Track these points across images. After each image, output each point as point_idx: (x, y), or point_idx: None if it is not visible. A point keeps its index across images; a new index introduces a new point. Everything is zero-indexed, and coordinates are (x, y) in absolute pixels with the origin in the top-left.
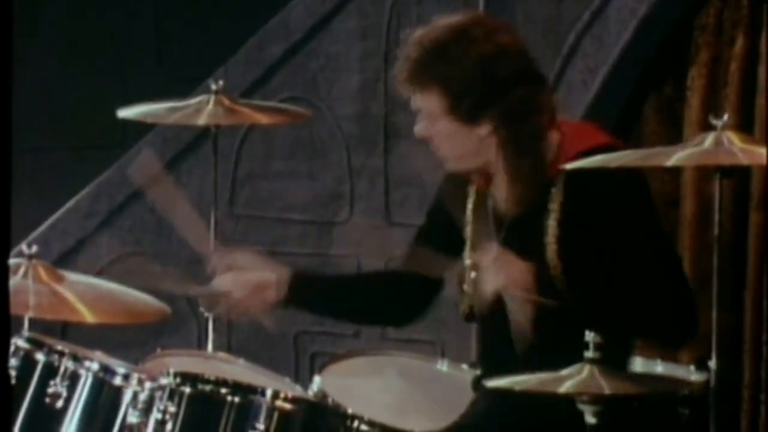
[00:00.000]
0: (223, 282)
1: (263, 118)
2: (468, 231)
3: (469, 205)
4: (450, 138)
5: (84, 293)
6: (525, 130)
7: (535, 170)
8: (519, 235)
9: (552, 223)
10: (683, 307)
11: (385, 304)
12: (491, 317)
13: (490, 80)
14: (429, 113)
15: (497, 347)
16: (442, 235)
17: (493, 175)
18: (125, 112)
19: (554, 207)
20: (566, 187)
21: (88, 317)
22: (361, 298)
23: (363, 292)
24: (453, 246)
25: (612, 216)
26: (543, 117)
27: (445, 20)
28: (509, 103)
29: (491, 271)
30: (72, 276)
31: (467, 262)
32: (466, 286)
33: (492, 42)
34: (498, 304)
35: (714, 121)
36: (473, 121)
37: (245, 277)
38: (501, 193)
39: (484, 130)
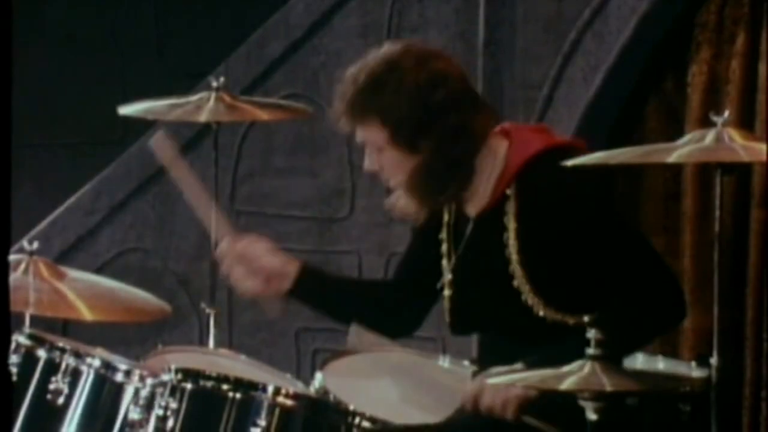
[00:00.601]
0: (234, 272)
1: (264, 115)
2: (443, 248)
3: (445, 222)
4: (396, 167)
5: (84, 291)
6: (459, 153)
7: (467, 187)
8: (479, 249)
9: (510, 234)
10: (666, 289)
11: (383, 315)
12: (482, 304)
13: (425, 108)
14: (373, 146)
15: (497, 343)
16: (423, 267)
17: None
18: (126, 109)
19: (510, 217)
20: (519, 196)
21: (87, 315)
22: (362, 304)
23: (364, 299)
24: (433, 276)
25: (568, 217)
26: (477, 138)
27: (377, 53)
28: (444, 128)
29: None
30: (72, 273)
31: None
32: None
33: (425, 70)
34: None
35: (715, 118)
36: (413, 149)
37: (257, 266)
38: (464, 209)
39: (425, 155)
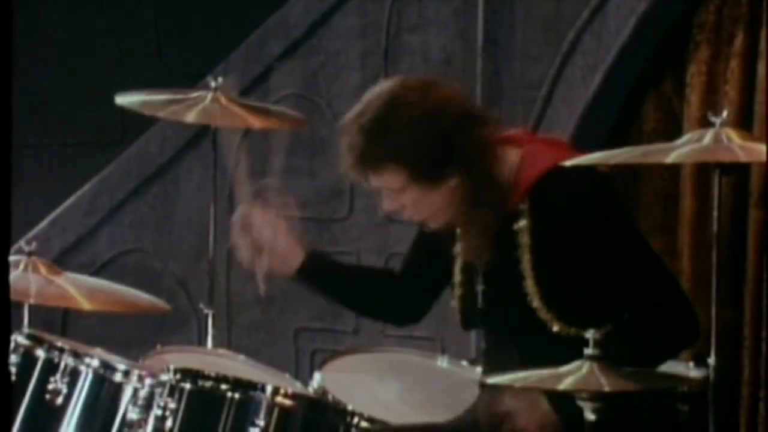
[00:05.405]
0: (239, 242)
1: (257, 122)
2: (456, 266)
3: (457, 242)
4: (420, 203)
5: (82, 284)
6: (485, 172)
7: (496, 213)
8: (497, 268)
9: (524, 251)
10: (680, 315)
11: (386, 302)
12: (494, 316)
13: (439, 137)
14: (390, 189)
15: (500, 344)
16: (428, 263)
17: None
18: (123, 100)
19: (523, 234)
20: (532, 213)
21: (85, 305)
22: (367, 289)
23: (369, 285)
24: (439, 272)
25: (583, 235)
26: (492, 151)
27: (374, 95)
28: (461, 151)
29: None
30: (70, 274)
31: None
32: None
33: (427, 101)
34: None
35: (713, 119)
36: (438, 181)
37: (264, 243)
38: (469, 237)
39: (452, 183)
